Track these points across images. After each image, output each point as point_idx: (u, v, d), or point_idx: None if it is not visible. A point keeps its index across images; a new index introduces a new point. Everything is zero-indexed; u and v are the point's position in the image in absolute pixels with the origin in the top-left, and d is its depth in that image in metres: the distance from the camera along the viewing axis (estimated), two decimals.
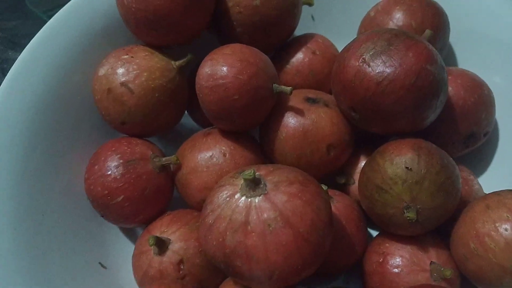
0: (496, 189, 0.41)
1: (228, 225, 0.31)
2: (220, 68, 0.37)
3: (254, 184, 0.31)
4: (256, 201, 0.31)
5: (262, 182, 0.32)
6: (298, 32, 0.50)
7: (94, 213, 0.41)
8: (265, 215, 0.31)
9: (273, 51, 0.47)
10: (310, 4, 0.47)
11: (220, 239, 0.31)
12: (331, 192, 0.40)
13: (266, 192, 0.31)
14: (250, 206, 0.31)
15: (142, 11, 0.38)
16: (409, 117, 0.36)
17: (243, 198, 0.32)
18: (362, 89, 0.35)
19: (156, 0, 0.37)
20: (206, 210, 0.33)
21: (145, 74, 0.39)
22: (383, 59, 0.35)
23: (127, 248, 0.42)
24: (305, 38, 0.46)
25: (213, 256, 0.32)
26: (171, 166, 0.41)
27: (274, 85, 0.38)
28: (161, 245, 0.36)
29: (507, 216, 0.33)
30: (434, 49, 0.36)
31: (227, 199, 0.32)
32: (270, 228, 0.30)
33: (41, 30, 0.43)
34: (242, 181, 0.32)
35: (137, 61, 0.39)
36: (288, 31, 0.45)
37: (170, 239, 0.37)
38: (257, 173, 0.32)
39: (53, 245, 0.39)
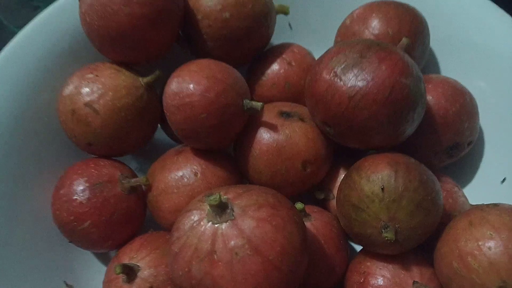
0: (483, 200, 0.39)
1: (194, 254, 0.30)
2: (186, 86, 0.35)
3: (220, 210, 0.30)
4: (223, 227, 0.30)
5: (229, 207, 0.30)
6: (275, 41, 0.48)
7: (63, 239, 0.39)
8: (232, 243, 0.29)
9: (248, 62, 0.46)
10: (286, 13, 0.45)
11: (186, 269, 0.30)
12: (309, 208, 0.39)
13: (233, 218, 0.30)
14: (216, 233, 0.29)
15: (105, 28, 0.36)
16: (385, 132, 0.34)
17: (209, 224, 0.30)
18: (335, 104, 0.34)
19: (118, 16, 0.36)
20: (173, 237, 0.32)
21: (110, 93, 0.37)
22: (355, 72, 0.33)
23: (99, 273, 0.40)
24: (281, 48, 0.44)
25: (180, 286, 0.31)
26: (143, 186, 0.40)
27: (244, 101, 0.37)
28: (130, 272, 0.34)
29: (491, 234, 0.31)
30: (410, 60, 0.35)
31: (194, 225, 0.31)
32: (238, 256, 0.29)
33: (5, 48, 0.42)
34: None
35: (102, 80, 0.38)
36: (262, 42, 0.43)
37: (139, 266, 0.35)
38: (224, 197, 0.31)
39: (20, 276, 0.37)
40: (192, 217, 0.31)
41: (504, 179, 0.41)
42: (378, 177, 0.33)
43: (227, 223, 0.30)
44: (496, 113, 0.43)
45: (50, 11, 0.43)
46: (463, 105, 0.39)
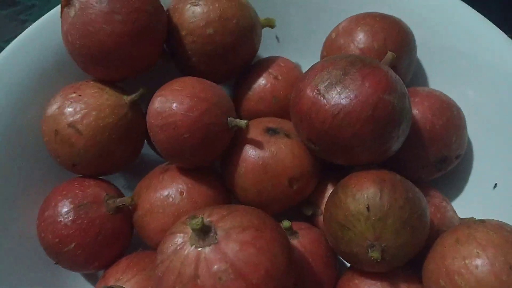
0: (472, 213, 0.39)
1: (177, 278, 0.29)
2: (169, 105, 0.35)
3: (203, 233, 0.29)
4: (206, 251, 0.29)
5: (213, 230, 0.30)
6: (263, 53, 0.48)
7: (50, 259, 0.39)
8: (215, 267, 0.29)
9: (235, 76, 0.45)
10: (272, 27, 0.45)
11: None
12: (296, 225, 0.38)
13: (216, 241, 0.29)
14: (199, 258, 0.29)
15: (87, 47, 0.36)
16: (370, 149, 0.34)
17: (193, 248, 0.30)
18: (318, 122, 0.33)
19: (100, 35, 0.35)
20: (157, 260, 0.31)
21: (94, 113, 0.37)
22: (338, 90, 0.33)
23: None
24: (267, 62, 0.44)
25: None
26: (129, 205, 0.39)
27: (229, 119, 0.36)
28: None
29: (477, 252, 0.31)
30: (395, 75, 0.34)
31: (177, 248, 0.30)
32: (221, 281, 0.28)
33: None
34: None
35: (85, 99, 0.37)
36: (248, 56, 0.43)
37: None
38: (207, 220, 0.30)
39: None
40: (176, 240, 0.31)
41: (495, 185, 0.41)
42: (363, 196, 0.33)
43: (210, 247, 0.29)
44: (485, 123, 0.43)
45: (37, 27, 0.43)
46: (450, 119, 0.39)
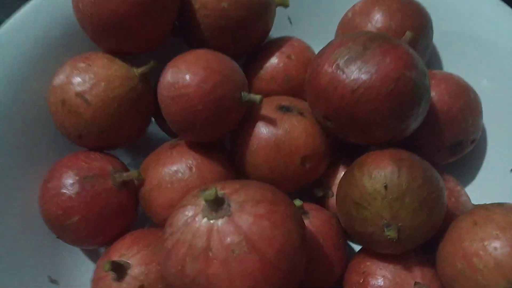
0: (485, 199, 0.38)
1: (188, 251, 0.28)
2: (182, 76, 0.34)
3: (216, 205, 0.28)
4: (219, 224, 0.28)
5: (226, 202, 0.29)
6: (275, 34, 0.47)
7: (52, 235, 0.38)
8: (229, 240, 0.28)
9: (246, 55, 0.44)
10: (285, 6, 0.44)
11: (179, 267, 0.28)
12: (307, 206, 0.38)
13: (230, 213, 0.28)
14: (212, 230, 0.28)
15: (98, 16, 0.35)
16: (388, 126, 0.33)
17: (205, 220, 0.29)
18: (336, 98, 0.32)
19: (112, 3, 0.34)
20: (166, 233, 0.30)
21: (103, 83, 0.36)
22: (358, 65, 0.32)
23: (87, 271, 0.39)
24: (280, 42, 0.43)
25: (172, 285, 0.29)
26: (135, 181, 0.38)
27: (242, 93, 0.35)
28: (119, 270, 0.33)
29: (496, 233, 0.30)
30: (415, 53, 0.33)
31: (188, 221, 0.29)
32: (234, 254, 0.27)
33: None
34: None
35: (95, 69, 0.36)
36: (260, 35, 0.42)
37: (129, 263, 0.33)
38: (220, 192, 0.29)
39: (7, 272, 0.36)
40: (187, 212, 0.30)
41: None
42: (380, 174, 0.32)
43: (223, 219, 0.28)
44: (498, 111, 0.42)
45: None
46: (466, 102, 0.38)
